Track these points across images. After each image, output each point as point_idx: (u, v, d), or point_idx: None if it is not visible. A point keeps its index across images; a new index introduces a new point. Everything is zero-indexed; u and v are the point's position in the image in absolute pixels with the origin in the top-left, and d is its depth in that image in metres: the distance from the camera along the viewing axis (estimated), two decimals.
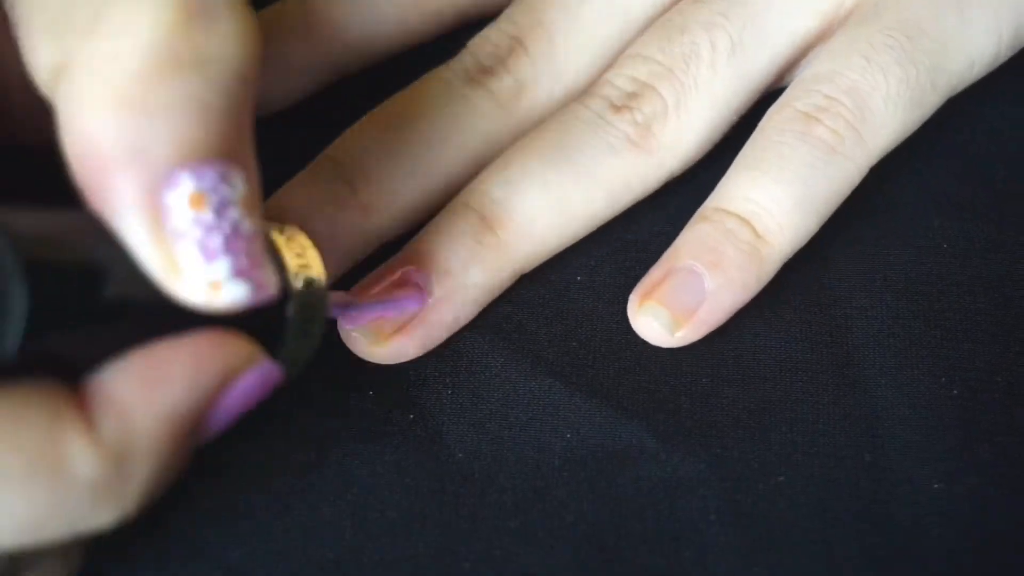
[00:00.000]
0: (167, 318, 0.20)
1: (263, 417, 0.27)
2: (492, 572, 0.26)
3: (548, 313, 0.29)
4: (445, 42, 0.33)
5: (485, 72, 0.30)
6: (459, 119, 0.30)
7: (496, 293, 0.29)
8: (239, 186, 0.19)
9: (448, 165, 0.29)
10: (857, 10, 0.30)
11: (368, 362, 0.28)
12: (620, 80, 0.30)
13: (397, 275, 0.28)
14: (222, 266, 0.19)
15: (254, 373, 0.21)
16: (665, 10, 0.31)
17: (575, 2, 0.31)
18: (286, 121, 0.32)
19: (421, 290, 0.28)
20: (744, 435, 0.27)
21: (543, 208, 0.29)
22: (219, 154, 0.19)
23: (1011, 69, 0.31)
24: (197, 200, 0.19)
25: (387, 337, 0.28)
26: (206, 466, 0.27)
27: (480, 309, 0.29)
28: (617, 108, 0.29)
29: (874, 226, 0.31)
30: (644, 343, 0.29)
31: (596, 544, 0.26)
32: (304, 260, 0.22)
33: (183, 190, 0.19)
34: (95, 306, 0.19)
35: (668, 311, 0.28)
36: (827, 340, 0.29)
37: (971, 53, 0.29)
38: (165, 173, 0.19)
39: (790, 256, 0.29)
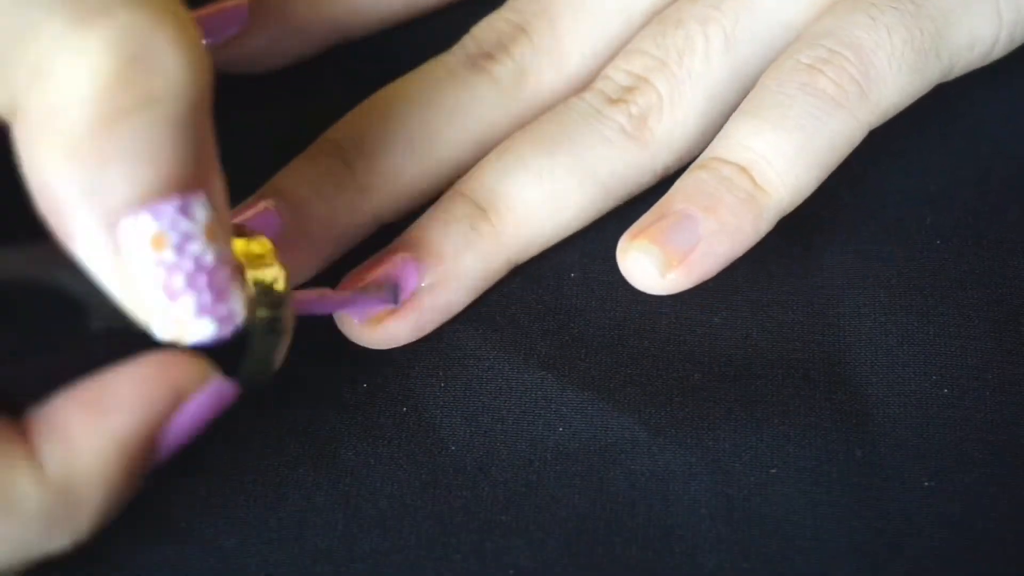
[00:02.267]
0: (115, 344, 0.19)
1: (257, 409, 0.28)
2: (483, 565, 0.26)
3: (541, 308, 0.30)
4: (451, 30, 0.33)
5: (487, 57, 0.31)
6: (459, 103, 0.30)
7: (490, 282, 0.29)
8: (200, 215, 0.19)
9: (447, 148, 0.30)
10: None
11: (361, 355, 0.28)
12: (616, 74, 0.30)
13: (388, 263, 0.28)
14: (186, 304, 0.19)
15: (206, 392, 0.20)
16: (667, 6, 0.31)
17: None
18: (287, 94, 0.33)
19: (394, 290, 0.28)
20: (736, 427, 0.28)
21: (538, 197, 0.29)
22: (176, 187, 0.19)
23: (1003, 64, 0.31)
24: (158, 241, 0.18)
25: (379, 320, 0.28)
26: (201, 457, 0.27)
27: (473, 297, 0.29)
28: (613, 101, 0.30)
29: (867, 223, 0.31)
30: (637, 338, 0.29)
31: (587, 537, 0.26)
32: (265, 276, 0.21)
33: (142, 232, 0.18)
34: (38, 339, 0.18)
35: (660, 249, 0.27)
36: (819, 338, 0.29)
37: (972, 31, 0.29)
38: (122, 216, 0.18)
39: (789, 209, 0.28)
